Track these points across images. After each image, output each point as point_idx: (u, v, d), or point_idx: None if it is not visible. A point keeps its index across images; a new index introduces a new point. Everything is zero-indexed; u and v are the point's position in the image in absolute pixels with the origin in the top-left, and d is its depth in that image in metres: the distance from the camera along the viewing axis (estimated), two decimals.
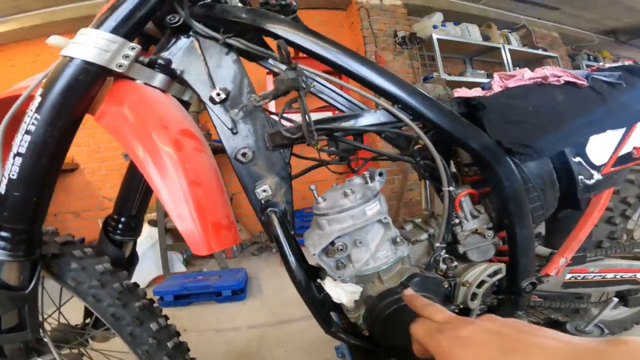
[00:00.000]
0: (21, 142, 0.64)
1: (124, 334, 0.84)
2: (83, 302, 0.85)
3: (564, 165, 0.88)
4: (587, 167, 0.88)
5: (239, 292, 2.33)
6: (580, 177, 0.87)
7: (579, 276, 1.05)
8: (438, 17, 4.38)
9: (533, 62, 5.45)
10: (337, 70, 0.73)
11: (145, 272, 2.76)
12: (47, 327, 0.93)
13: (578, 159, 0.88)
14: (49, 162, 0.66)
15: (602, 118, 0.90)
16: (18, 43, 3.91)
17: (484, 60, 5.27)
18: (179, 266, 3.04)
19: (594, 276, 1.08)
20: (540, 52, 5.14)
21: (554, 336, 0.40)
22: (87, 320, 1.01)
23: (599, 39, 6.23)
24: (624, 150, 0.94)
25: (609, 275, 1.10)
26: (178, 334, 0.95)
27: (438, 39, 4.17)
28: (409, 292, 0.63)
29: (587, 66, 5.63)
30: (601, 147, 0.91)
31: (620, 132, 0.94)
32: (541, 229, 1.13)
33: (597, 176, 0.89)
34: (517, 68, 4.87)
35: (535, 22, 5.51)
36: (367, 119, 0.77)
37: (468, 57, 5.20)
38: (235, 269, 2.71)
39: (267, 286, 2.53)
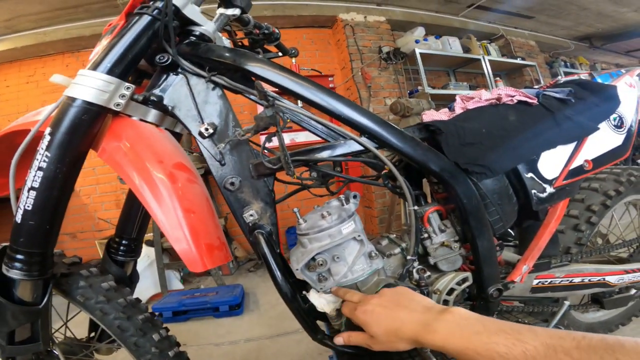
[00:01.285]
0: (34, 178, 0.71)
1: (128, 344, 0.91)
2: (91, 316, 0.92)
3: (519, 180, 0.93)
4: (539, 181, 0.94)
5: (236, 307, 2.38)
6: (534, 191, 0.93)
7: (546, 281, 1.09)
8: (420, 32, 4.45)
9: (513, 71, 5.56)
10: (310, 105, 0.79)
11: (143, 290, 2.81)
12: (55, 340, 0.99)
13: (530, 174, 0.93)
14: (59, 194, 0.73)
15: (552, 134, 0.96)
16: (11, 64, 3.88)
17: (467, 72, 5.32)
18: (176, 284, 3.08)
19: (561, 281, 1.11)
20: (518, 61, 5.20)
21: (419, 301, 0.65)
22: (92, 334, 1.07)
23: (574, 45, 6.34)
24: (575, 164, 0.99)
25: (576, 280, 1.13)
26: (178, 344, 1.01)
27: (420, 53, 4.20)
28: (333, 287, 0.80)
29: (565, 73, 5.74)
30: (553, 161, 0.97)
31: (571, 146, 0.99)
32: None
33: (549, 189, 0.95)
34: (498, 78, 4.98)
35: (513, 31, 5.62)
36: (339, 149, 0.83)
37: (451, 69, 5.24)
38: (232, 285, 2.76)
39: (263, 301, 2.57)
